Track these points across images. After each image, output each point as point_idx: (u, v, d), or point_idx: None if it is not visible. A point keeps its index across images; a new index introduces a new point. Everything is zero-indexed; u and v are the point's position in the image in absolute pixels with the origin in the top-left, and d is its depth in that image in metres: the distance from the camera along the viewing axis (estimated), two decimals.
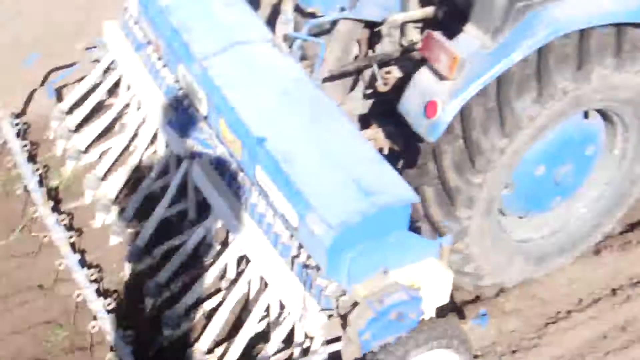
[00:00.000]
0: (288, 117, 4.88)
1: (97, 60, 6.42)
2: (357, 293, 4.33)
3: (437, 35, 4.92)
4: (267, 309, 4.95)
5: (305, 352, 4.71)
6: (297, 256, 4.62)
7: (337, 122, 4.91)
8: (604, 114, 5.52)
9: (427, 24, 5.86)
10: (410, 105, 5.04)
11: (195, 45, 5.32)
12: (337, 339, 4.48)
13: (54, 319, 5.33)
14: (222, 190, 5.10)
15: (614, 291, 5.93)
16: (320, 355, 4.50)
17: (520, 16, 4.83)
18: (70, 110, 6.35)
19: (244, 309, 5.23)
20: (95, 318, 5.10)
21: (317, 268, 4.49)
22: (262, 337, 5.04)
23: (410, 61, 5.81)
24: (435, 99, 4.86)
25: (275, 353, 4.86)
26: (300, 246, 4.59)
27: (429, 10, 5.87)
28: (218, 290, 5.38)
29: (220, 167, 5.18)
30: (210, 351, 4.99)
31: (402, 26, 5.92)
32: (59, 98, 6.57)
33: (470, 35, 4.94)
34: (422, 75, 5.02)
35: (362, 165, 4.61)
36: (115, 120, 6.33)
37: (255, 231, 4.86)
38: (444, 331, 4.55)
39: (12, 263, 5.65)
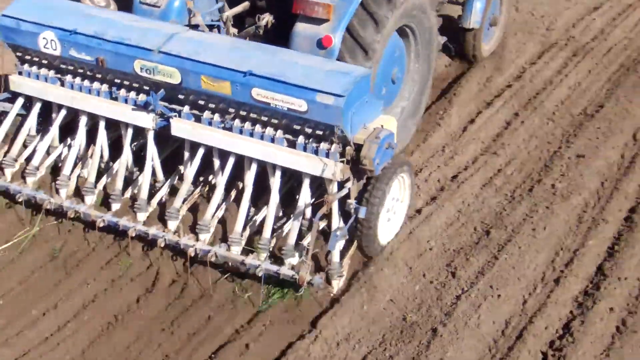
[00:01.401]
0: (252, 57, 6.90)
1: (4, 111, 7.85)
2: (360, 137, 6.60)
3: None
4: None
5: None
6: (293, 142, 6.79)
7: (283, 51, 7.07)
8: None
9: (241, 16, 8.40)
10: (301, 46, 7.34)
11: (144, 43, 7.11)
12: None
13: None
14: (207, 129, 7.06)
15: None
16: (343, 191, 6.66)
17: None
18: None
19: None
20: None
21: (318, 140, 6.67)
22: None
23: (257, 37, 8.17)
24: (327, 34, 7.27)
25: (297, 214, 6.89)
26: (298, 133, 6.74)
27: (246, 4, 8.37)
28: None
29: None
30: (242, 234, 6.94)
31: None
32: None
33: None
34: (301, 27, 7.37)
35: (324, 63, 6.86)
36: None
37: (250, 141, 6.89)
38: (403, 160, 6.96)
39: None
